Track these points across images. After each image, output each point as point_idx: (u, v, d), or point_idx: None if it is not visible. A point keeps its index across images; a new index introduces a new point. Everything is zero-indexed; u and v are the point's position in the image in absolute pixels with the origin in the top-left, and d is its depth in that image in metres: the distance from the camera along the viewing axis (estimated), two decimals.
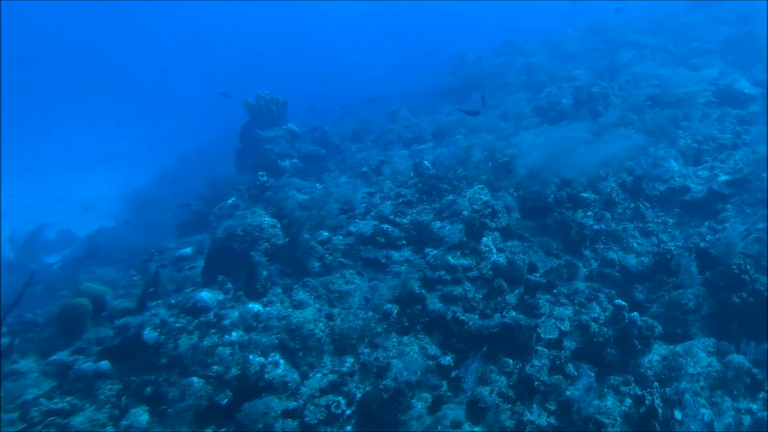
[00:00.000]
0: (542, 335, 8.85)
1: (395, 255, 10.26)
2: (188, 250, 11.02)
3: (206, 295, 8.56)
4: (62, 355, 7.99)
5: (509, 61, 26.13)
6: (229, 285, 9.16)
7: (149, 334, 7.89)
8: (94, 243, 21.98)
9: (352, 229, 10.60)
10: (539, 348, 8.72)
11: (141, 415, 7.08)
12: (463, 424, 7.44)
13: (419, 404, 7.73)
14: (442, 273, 9.55)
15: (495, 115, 18.13)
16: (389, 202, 11.39)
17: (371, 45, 54.49)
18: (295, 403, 7.46)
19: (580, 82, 19.57)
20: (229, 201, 12.33)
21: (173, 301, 8.79)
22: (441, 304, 9.09)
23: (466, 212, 10.52)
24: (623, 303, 8.96)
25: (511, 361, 8.41)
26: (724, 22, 25.51)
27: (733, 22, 25.21)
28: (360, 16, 73.22)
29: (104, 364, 7.63)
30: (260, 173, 12.98)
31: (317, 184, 12.58)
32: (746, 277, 9.16)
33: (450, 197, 11.16)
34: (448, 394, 7.97)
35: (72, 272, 19.44)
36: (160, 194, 29.77)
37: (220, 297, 8.75)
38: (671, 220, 11.69)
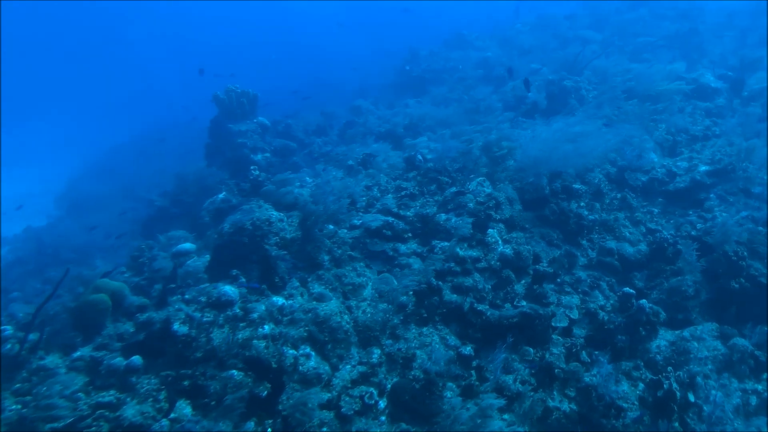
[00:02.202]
0: (554, 323, 9.59)
1: (402, 248, 10.75)
2: (187, 245, 11.21)
3: (230, 289, 8.85)
4: (85, 351, 8.18)
5: (465, 55, 26.89)
6: (243, 279, 9.49)
7: (180, 328, 8.14)
8: (38, 243, 21.59)
9: (357, 222, 11.03)
10: (554, 336, 9.49)
11: (184, 408, 7.40)
12: (495, 414, 8.02)
13: (448, 393, 8.22)
14: (452, 264, 10.14)
15: (465, 110, 18.95)
16: (390, 195, 11.86)
17: (322, 39, 54.85)
18: (329, 395, 7.92)
19: (544, 76, 20.66)
20: (220, 195, 12.52)
21: (188, 296, 9.08)
22: (455, 295, 9.68)
23: (471, 204, 11.09)
24: (631, 291, 9.80)
25: (531, 349, 9.11)
26: (665, 19, 27.24)
27: (673, 18, 26.97)
28: (304, 9, 73.70)
29: (137, 358, 7.84)
30: (252, 167, 13.25)
31: (307, 178, 12.91)
32: (743, 263, 10.15)
33: (453, 189, 11.70)
34: (476, 383, 8.48)
35: (25, 274, 19.17)
36: (96, 190, 29.27)
37: (241, 291, 9.10)
38: (656, 210, 12.63)
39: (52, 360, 7.93)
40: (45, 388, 7.14)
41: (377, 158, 13.50)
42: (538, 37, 28.29)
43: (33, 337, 8.03)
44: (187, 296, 9.07)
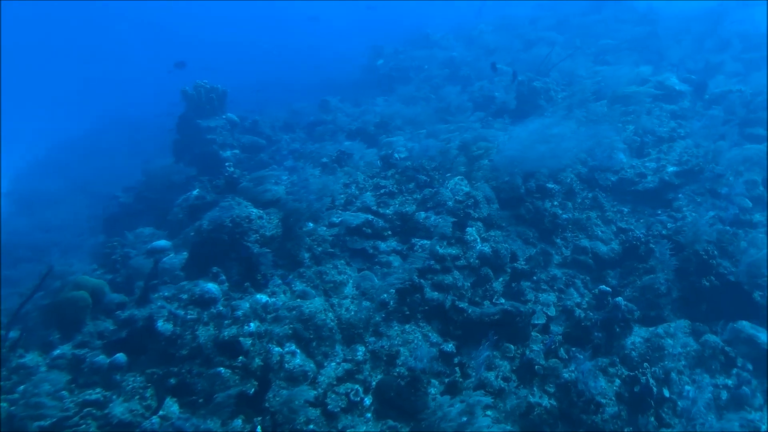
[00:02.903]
0: (533, 321, 9.91)
1: (382, 245, 10.88)
2: (163, 243, 11.14)
3: (213, 287, 8.87)
4: (66, 349, 8.12)
5: (430, 55, 27.16)
6: (223, 276, 9.52)
7: (164, 326, 8.13)
8: None
9: (336, 219, 11.11)
10: (533, 333, 9.77)
11: (172, 406, 7.42)
12: (478, 411, 8.23)
13: (432, 390, 8.40)
14: (432, 262, 10.34)
15: (434, 108, 19.22)
16: (369, 193, 11.99)
17: (285, 35, 54.58)
18: (315, 392, 8.03)
19: (511, 76, 21.08)
20: (194, 192, 12.47)
21: (167, 294, 9.06)
22: (436, 293, 9.87)
23: (450, 203, 11.28)
24: (607, 288, 10.16)
25: (513, 346, 9.34)
26: (625, 22, 27.96)
27: (634, 21, 27.74)
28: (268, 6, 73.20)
29: (120, 356, 7.82)
30: (227, 164, 13.23)
31: (283, 176, 12.93)
32: (714, 261, 10.59)
33: (432, 188, 11.91)
34: (460, 380, 8.67)
35: None
36: (47, 187, 28.60)
37: (223, 288, 9.14)
38: (626, 209, 13.01)
39: (32, 358, 7.86)
40: (32, 386, 7.09)
41: (353, 156, 13.63)
42: (502, 37, 28.75)
43: (13, 335, 7.95)
44: (166, 293, 9.04)
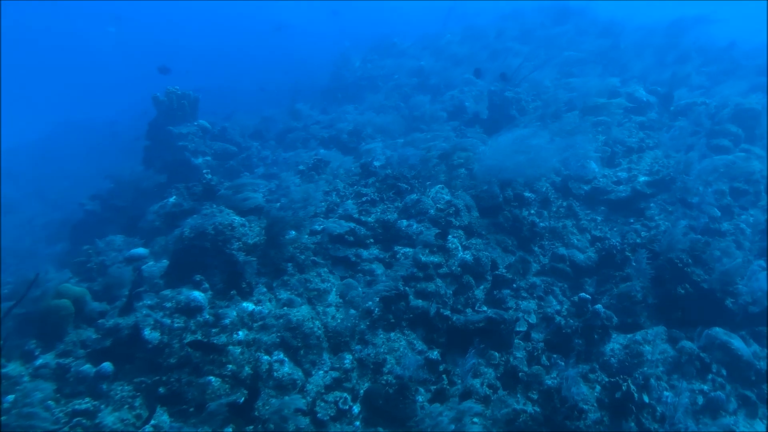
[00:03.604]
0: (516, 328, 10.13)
1: (364, 253, 10.99)
2: (141, 250, 11.06)
3: (199, 295, 8.86)
4: (48, 358, 8.04)
5: (398, 63, 27.44)
6: (206, 284, 9.51)
7: (151, 334, 8.10)
8: None
9: (318, 227, 11.19)
10: (516, 341, 9.99)
11: (162, 415, 7.40)
12: (467, 419, 8.38)
13: (419, 398, 8.47)
14: (415, 270, 10.49)
15: (407, 117, 19.44)
16: (351, 201, 12.10)
17: (251, 41, 54.40)
18: (304, 400, 8.10)
19: (481, 86, 21.54)
20: (171, 199, 12.39)
21: (150, 302, 9.03)
22: (420, 301, 10.00)
23: (432, 211, 11.44)
24: (587, 296, 10.44)
25: (497, 353, 9.54)
26: (588, 34, 28.68)
27: (596, 34, 28.47)
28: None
29: (107, 365, 7.76)
30: (204, 171, 13.20)
31: (260, 182, 12.96)
32: (688, 269, 10.97)
33: (414, 196, 11.99)
34: (447, 387, 8.79)
35: None
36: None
37: (207, 296, 9.14)
38: (599, 218, 13.36)
39: (14, 368, 7.77)
40: (23, 396, 7.02)
41: (331, 164, 13.73)
42: (469, 47, 29.11)
43: None
44: (149, 302, 9.01)
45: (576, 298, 10.61)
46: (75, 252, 14.71)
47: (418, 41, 32.28)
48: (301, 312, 9.07)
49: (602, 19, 30.90)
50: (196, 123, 17.30)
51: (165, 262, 10.43)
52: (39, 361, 7.94)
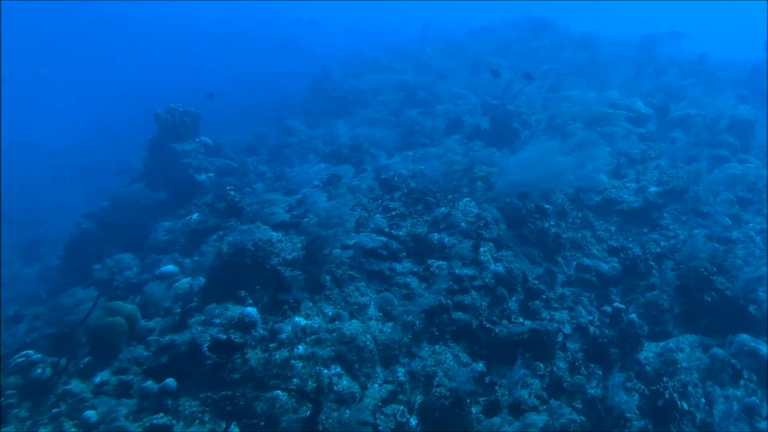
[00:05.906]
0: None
1: (398, 267, 11.34)
2: (171, 267, 11.23)
3: (252, 310, 9.08)
4: (106, 376, 8.20)
5: (384, 78, 27.85)
6: (250, 300, 9.76)
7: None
8: None
9: (350, 242, 11.49)
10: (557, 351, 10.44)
11: (234, 429, 7.64)
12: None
13: (474, 409, 8.79)
14: (451, 283, 10.89)
15: (404, 131, 19.90)
16: (379, 216, 12.45)
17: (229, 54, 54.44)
18: (370, 412, 8.36)
19: (471, 101, 22.26)
20: (194, 217, 12.59)
21: (196, 319, 9.27)
22: (461, 313, 10.38)
23: (463, 224, 11.87)
24: (621, 306, 10.94)
25: (542, 364, 9.98)
26: (565, 48, 29.88)
27: (572, 48, 29.65)
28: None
29: (170, 381, 7.90)
30: (228, 188, 13.41)
31: (281, 197, 13.19)
32: (713, 278, 11.58)
33: (443, 209, 12.33)
34: (500, 398, 9.09)
35: None
36: None
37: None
38: (613, 228, 13.98)
39: (77, 385, 7.92)
40: (109, 411, 7.20)
41: (343, 179, 14.08)
42: (451, 61, 29.86)
43: (62, 362, 7.99)
44: (195, 318, 9.25)
45: (609, 308, 11.05)
46: (69, 270, 14.79)
47: (398, 56, 32.84)
48: (353, 326, 9.33)
49: (576, 34, 32.26)
50: (198, 139, 17.48)
51: (201, 279, 10.62)
52: (98, 379, 8.07)
